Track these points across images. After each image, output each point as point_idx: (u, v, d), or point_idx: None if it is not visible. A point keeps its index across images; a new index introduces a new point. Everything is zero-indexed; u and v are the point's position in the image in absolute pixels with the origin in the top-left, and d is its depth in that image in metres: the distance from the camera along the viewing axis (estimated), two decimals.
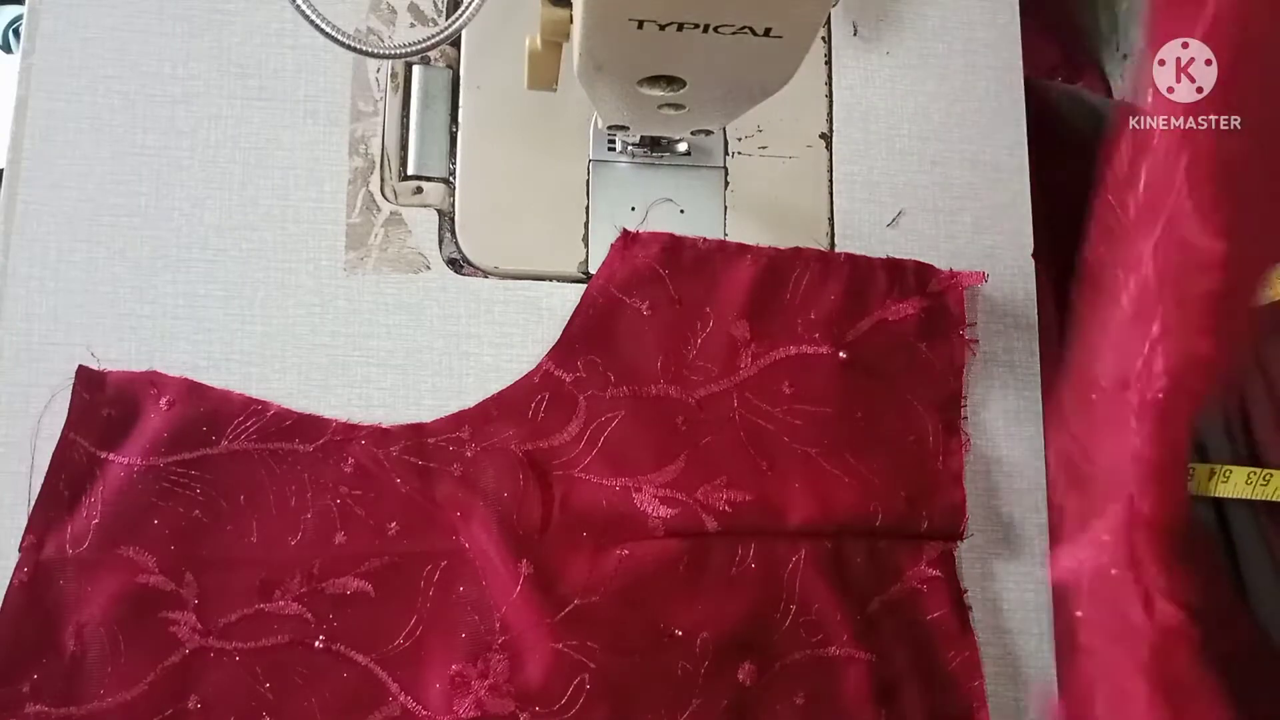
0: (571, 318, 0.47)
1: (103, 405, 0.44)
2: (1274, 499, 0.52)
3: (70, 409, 0.44)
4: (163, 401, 0.44)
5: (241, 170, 0.47)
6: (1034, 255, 0.51)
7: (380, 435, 0.45)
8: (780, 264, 0.48)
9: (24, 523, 0.43)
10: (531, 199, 0.49)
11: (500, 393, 0.46)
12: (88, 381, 0.44)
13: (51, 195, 0.46)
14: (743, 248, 0.48)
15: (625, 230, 0.48)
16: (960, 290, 0.49)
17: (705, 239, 0.48)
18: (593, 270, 0.48)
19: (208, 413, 0.44)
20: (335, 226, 0.47)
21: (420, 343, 0.47)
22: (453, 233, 0.48)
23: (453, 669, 0.44)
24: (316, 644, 0.43)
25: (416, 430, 0.46)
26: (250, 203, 0.47)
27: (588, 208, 0.49)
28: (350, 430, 0.45)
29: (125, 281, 0.45)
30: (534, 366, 0.47)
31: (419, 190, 0.49)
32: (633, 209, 0.49)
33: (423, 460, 0.45)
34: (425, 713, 0.43)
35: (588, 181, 0.50)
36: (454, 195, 0.49)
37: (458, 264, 0.48)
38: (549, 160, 0.49)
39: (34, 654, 0.42)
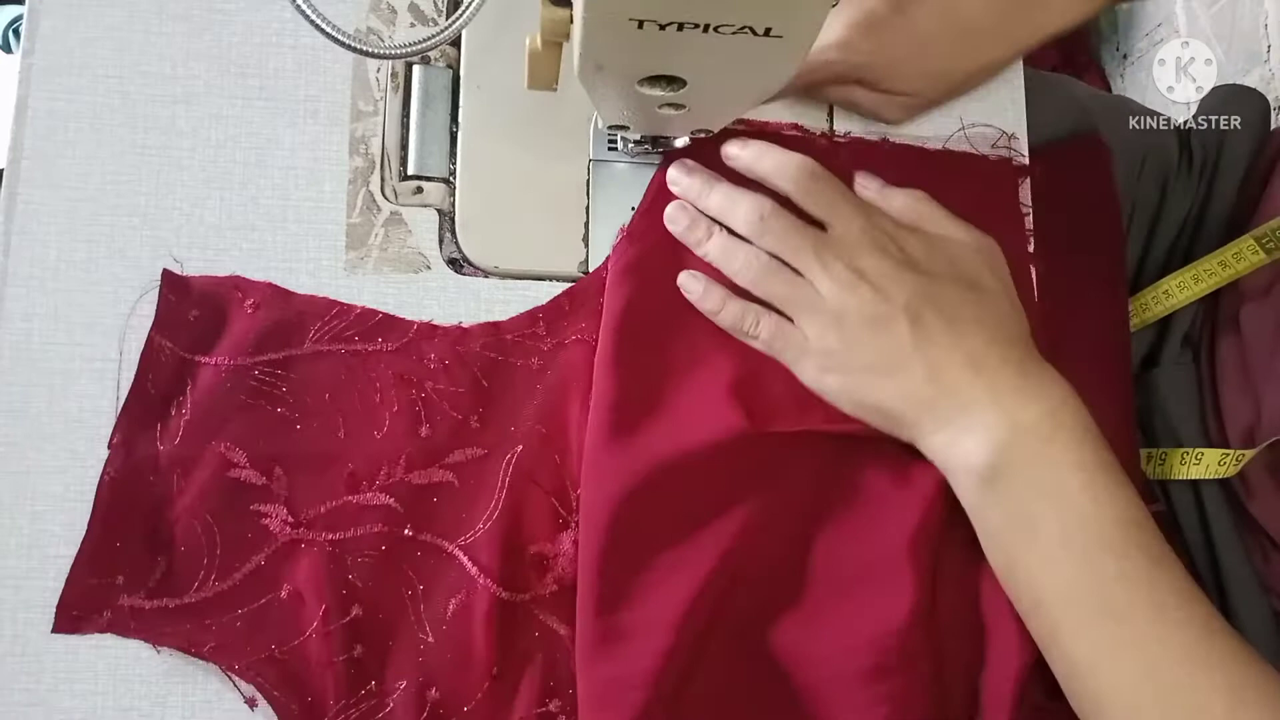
0: (634, 215, 0.48)
1: (189, 308, 0.45)
2: (1208, 477, 0.53)
3: (157, 312, 0.45)
4: (248, 304, 0.45)
5: (242, 170, 0.47)
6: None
7: (461, 334, 0.47)
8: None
9: (25, 525, 0.43)
10: (531, 199, 0.49)
11: (571, 287, 0.48)
12: (173, 285, 0.45)
13: (51, 195, 0.46)
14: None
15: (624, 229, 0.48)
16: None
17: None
18: (593, 270, 0.48)
19: (292, 315, 0.46)
20: (335, 226, 0.47)
21: None
22: (453, 233, 0.49)
23: (532, 550, 0.45)
24: (405, 532, 0.44)
25: (494, 328, 0.47)
26: (250, 203, 0.47)
27: (588, 208, 0.49)
28: (431, 330, 0.46)
29: (125, 281, 0.45)
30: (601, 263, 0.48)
31: (419, 190, 0.49)
32: (633, 209, 0.49)
33: (502, 355, 0.47)
34: (505, 594, 0.44)
35: (588, 181, 0.50)
36: (454, 195, 0.49)
37: (458, 264, 0.48)
38: (549, 160, 0.49)
39: (126, 548, 0.43)
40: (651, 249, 0.47)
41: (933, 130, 0.52)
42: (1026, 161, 0.52)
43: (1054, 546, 0.41)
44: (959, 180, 0.50)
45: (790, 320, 0.46)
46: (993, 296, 0.46)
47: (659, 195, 0.48)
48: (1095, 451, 0.42)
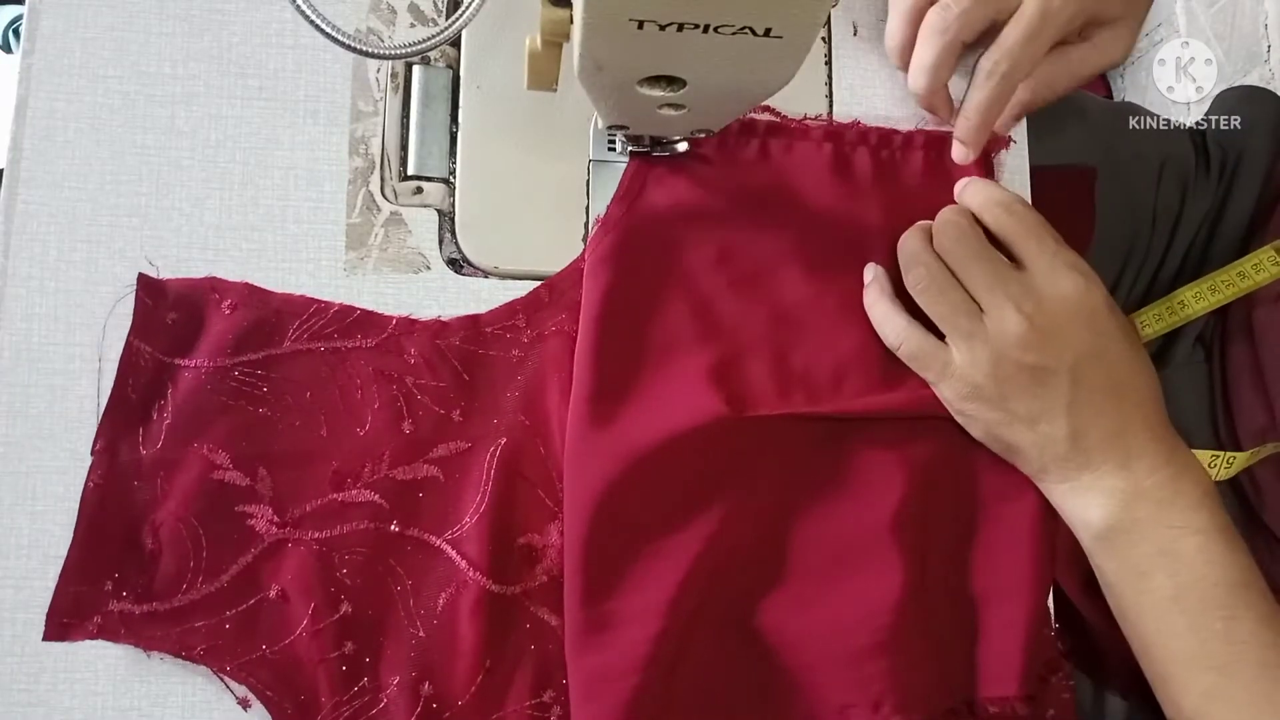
0: (609, 205, 0.48)
1: (165, 311, 0.45)
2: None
3: (134, 316, 0.45)
4: (225, 305, 0.45)
5: (241, 170, 0.47)
6: None
7: (440, 328, 0.46)
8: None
9: (25, 525, 0.43)
10: (531, 199, 0.49)
11: (550, 279, 0.48)
12: (149, 289, 0.45)
13: (51, 195, 0.46)
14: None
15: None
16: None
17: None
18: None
19: (270, 314, 0.45)
20: (335, 226, 0.47)
21: None
22: (453, 233, 0.49)
23: (520, 541, 0.45)
24: (392, 528, 0.44)
25: (473, 321, 0.47)
26: (250, 203, 0.47)
27: (588, 208, 0.49)
28: (410, 324, 0.46)
29: (125, 281, 0.45)
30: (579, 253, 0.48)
31: (419, 190, 0.49)
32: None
33: (482, 348, 0.47)
34: (495, 586, 0.44)
35: (588, 181, 0.50)
36: (454, 195, 0.49)
37: (458, 264, 0.48)
38: (549, 160, 0.49)
39: (114, 553, 0.43)
40: (627, 237, 0.47)
41: (904, 111, 0.52)
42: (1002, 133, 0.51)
43: (1165, 603, 0.43)
44: (935, 158, 0.50)
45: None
46: (1142, 353, 0.46)
47: (632, 184, 0.48)
48: (1212, 515, 0.43)
